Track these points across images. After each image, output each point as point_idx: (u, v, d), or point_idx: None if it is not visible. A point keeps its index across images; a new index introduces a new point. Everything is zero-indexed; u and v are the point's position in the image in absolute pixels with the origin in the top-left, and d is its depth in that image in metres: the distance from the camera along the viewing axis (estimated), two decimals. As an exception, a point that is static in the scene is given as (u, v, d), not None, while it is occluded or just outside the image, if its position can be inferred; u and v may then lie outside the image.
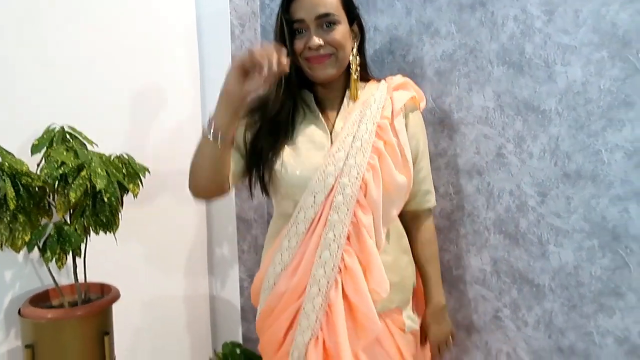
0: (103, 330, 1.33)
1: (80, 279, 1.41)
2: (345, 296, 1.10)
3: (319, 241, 1.11)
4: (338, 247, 1.09)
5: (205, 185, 1.11)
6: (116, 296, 1.38)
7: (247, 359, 1.65)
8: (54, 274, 1.40)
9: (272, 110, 1.15)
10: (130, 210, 1.63)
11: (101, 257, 1.59)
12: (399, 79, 1.24)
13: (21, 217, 1.25)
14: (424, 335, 1.28)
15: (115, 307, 1.48)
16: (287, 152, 1.14)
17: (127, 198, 1.46)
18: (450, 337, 1.31)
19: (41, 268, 1.54)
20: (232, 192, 1.90)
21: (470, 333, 1.47)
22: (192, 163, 1.11)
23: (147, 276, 1.77)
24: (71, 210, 1.28)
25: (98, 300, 1.34)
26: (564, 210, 1.26)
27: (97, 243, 1.57)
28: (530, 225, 1.32)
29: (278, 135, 1.15)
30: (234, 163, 1.15)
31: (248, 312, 1.96)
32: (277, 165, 1.14)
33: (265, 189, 1.19)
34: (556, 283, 1.30)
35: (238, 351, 1.68)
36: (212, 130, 1.04)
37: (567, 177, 1.25)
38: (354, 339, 1.10)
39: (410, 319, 1.23)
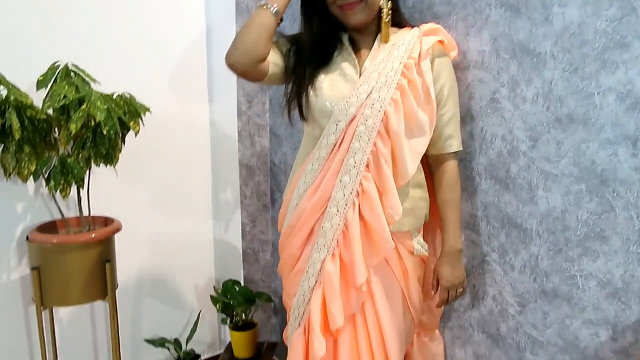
0: (105, 258, 1.41)
1: (86, 213, 1.48)
2: (361, 217, 1.19)
3: (340, 166, 1.20)
4: (357, 173, 1.18)
5: (245, 50, 1.17)
6: (118, 227, 1.45)
7: (245, 296, 1.72)
8: (61, 207, 1.48)
9: (314, 46, 1.26)
10: (136, 152, 1.70)
11: (108, 196, 1.66)
12: (431, 25, 1.30)
13: (27, 148, 1.31)
14: (435, 279, 1.32)
15: (121, 243, 1.55)
16: (320, 82, 1.24)
17: (133, 140, 1.52)
18: (462, 288, 1.34)
19: (51, 202, 1.62)
20: (235, 139, 1.95)
21: (459, 277, 1.50)
22: (238, 34, 1.19)
23: (153, 216, 1.85)
24: (73, 143, 1.34)
25: (100, 229, 1.42)
26: (554, 155, 1.26)
27: (103, 181, 1.64)
28: (520, 170, 1.33)
29: (316, 67, 1.25)
30: (274, 56, 1.25)
31: (249, 256, 2.03)
32: (312, 92, 1.24)
33: (302, 113, 1.28)
34: (543, 227, 1.31)
35: (237, 288, 1.75)
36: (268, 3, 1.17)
37: (559, 121, 1.24)
38: (368, 256, 1.18)
39: (420, 244, 1.31)
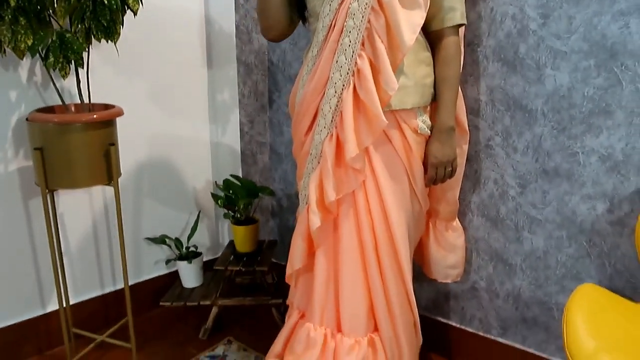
0: (108, 141, 1.38)
1: (85, 99, 1.44)
2: (356, 96, 1.18)
3: (336, 47, 1.19)
4: (353, 52, 1.17)
5: (272, 23, 1.30)
6: (120, 112, 1.42)
7: (247, 189, 1.73)
8: (59, 92, 1.43)
9: None
10: (131, 46, 1.64)
11: (104, 89, 1.61)
12: None
13: (22, 20, 1.25)
14: (425, 157, 1.29)
15: (119, 139, 1.52)
16: None
17: (129, 30, 1.45)
18: (451, 168, 1.31)
19: (45, 91, 1.57)
20: (233, 35, 1.89)
21: (461, 164, 1.53)
22: (257, 10, 1.32)
23: (150, 113, 1.81)
24: (71, 18, 1.28)
25: (102, 111, 1.39)
26: (565, 31, 1.27)
27: (99, 73, 1.59)
28: (529, 49, 1.33)
29: None
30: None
31: (247, 157, 2.02)
32: None
33: (304, 16, 1.30)
34: (548, 107, 1.34)
35: (239, 182, 1.76)
36: None
37: (572, -5, 1.24)
38: (364, 135, 1.18)
39: (425, 124, 1.27)
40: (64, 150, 1.32)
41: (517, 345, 1.53)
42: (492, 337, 1.58)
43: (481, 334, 1.60)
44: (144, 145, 1.82)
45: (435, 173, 1.30)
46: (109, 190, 1.76)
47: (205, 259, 2.02)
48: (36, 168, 1.34)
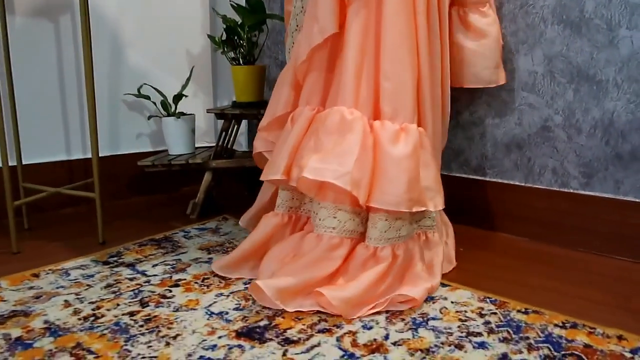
0: None
1: None
2: None
3: None
4: None
5: None
6: None
7: (253, 8, 1.34)
8: None
9: None
10: None
11: None
12: None
13: None
14: None
15: None
16: None
17: None
18: None
19: None
20: None
21: None
22: None
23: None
24: None
25: None
26: None
27: None
28: (597, 6, 0.99)
29: None
30: None
31: None
32: None
33: None
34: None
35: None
36: None
37: None
38: None
39: None
40: None
41: (609, 195, 1.13)
42: (572, 191, 1.18)
43: (556, 189, 1.21)
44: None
45: None
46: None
47: (197, 144, 1.66)
48: None
